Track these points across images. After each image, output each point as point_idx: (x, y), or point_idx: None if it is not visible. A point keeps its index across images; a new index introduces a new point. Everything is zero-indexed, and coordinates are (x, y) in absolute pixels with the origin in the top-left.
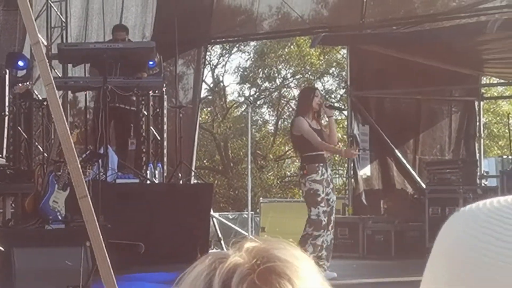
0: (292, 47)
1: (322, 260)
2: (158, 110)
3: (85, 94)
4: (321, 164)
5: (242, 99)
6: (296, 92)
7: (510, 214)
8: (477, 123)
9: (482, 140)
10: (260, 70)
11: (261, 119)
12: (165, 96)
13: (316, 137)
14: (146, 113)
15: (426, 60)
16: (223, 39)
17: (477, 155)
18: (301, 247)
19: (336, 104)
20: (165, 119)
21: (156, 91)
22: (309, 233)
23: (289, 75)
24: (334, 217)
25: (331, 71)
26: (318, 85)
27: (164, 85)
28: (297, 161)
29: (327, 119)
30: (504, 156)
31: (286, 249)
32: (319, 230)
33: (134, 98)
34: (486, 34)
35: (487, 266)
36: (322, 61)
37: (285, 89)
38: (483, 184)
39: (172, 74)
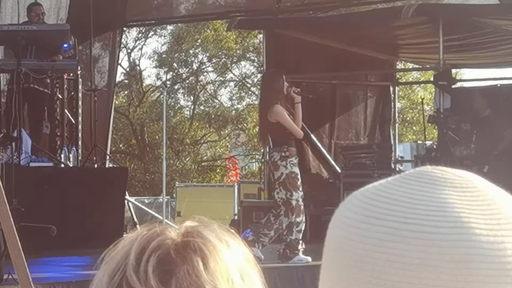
0: (208, 31)
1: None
2: (73, 93)
3: None
4: (294, 149)
5: (158, 83)
6: (212, 76)
7: (373, 195)
8: (392, 108)
9: (397, 125)
10: (176, 54)
11: (178, 104)
12: (80, 80)
13: (297, 128)
14: (60, 96)
15: (342, 45)
16: (139, 22)
17: (392, 140)
18: (289, 236)
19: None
20: (80, 103)
21: (71, 74)
22: (292, 221)
23: (205, 60)
24: None
25: (248, 56)
26: (235, 69)
27: (79, 68)
28: (214, 146)
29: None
30: (419, 142)
31: (214, 230)
32: (300, 215)
33: (49, 81)
34: (401, 19)
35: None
36: (239, 46)
37: (201, 73)
38: (397, 169)
39: (87, 57)
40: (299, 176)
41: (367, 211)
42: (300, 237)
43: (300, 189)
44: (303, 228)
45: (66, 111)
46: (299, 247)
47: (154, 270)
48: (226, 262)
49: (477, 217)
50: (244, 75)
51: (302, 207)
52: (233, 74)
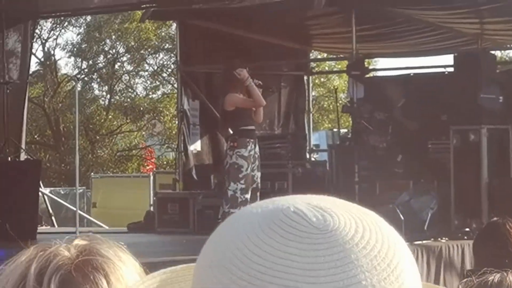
0: (129, 23)
1: None
2: None
3: None
4: (252, 140)
5: (74, 73)
6: (128, 67)
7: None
8: (306, 98)
9: (311, 115)
10: (93, 44)
11: (93, 94)
12: None
13: (252, 100)
14: None
15: (255, 35)
16: (52, 14)
17: (307, 129)
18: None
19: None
20: None
21: None
22: (226, 211)
23: (122, 50)
24: (259, 194)
25: (166, 47)
26: (151, 60)
27: None
28: (129, 136)
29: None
30: (334, 130)
31: (110, 248)
32: (235, 207)
33: None
34: (314, 9)
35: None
36: (156, 37)
37: (118, 64)
38: (312, 159)
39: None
40: (243, 168)
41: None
42: None
43: (242, 181)
44: None
45: None
46: None
47: None
48: (126, 278)
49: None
50: (160, 65)
51: (239, 199)
52: (148, 64)
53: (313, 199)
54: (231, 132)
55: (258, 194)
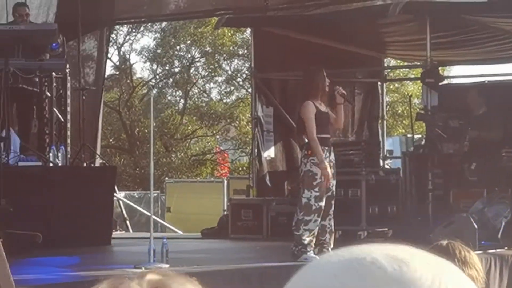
0: (205, 27)
1: (326, 244)
2: (61, 91)
3: None
4: (326, 148)
5: (149, 77)
6: (203, 72)
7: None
8: (380, 105)
9: (385, 122)
10: (169, 49)
11: (170, 98)
12: (69, 78)
13: (313, 130)
14: (49, 95)
15: (329, 42)
16: (128, 20)
17: (380, 136)
18: (295, 232)
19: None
20: (69, 101)
21: (59, 73)
22: (299, 219)
23: (197, 55)
24: (333, 202)
25: (241, 53)
26: (226, 66)
27: (67, 67)
28: (203, 140)
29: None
30: (409, 135)
31: (183, 284)
32: (309, 214)
33: (37, 80)
34: (388, 17)
35: None
36: (232, 43)
37: (193, 69)
38: (386, 166)
39: (76, 54)
40: (317, 176)
41: None
42: (310, 236)
43: (316, 189)
44: (313, 228)
45: (54, 109)
46: (308, 245)
47: None
48: None
49: None
50: (234, 71)
51: (314, 207)
52: (222, 69)
53: (391, 250)
54: (306, 140)
55: (333, 202)
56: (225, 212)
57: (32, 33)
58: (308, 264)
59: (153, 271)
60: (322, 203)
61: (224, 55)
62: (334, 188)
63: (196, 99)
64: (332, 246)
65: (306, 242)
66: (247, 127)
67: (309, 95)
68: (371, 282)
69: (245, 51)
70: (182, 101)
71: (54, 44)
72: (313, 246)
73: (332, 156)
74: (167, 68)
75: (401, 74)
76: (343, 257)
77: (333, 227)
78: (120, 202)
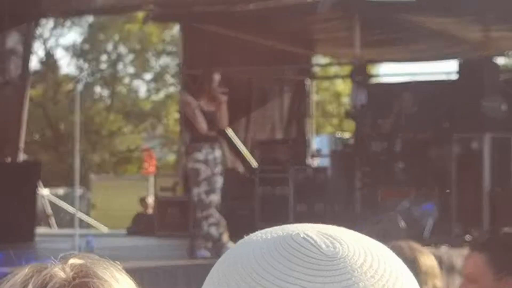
0: (132, 24)
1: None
2: None
3: None
4: (207, 144)
5: (76, 73)
6: (131, 69)
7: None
8: (309, 102)
9: (313, 120)
10: (96, 45)
11: (96, 95)
12: None
13: (199, 122)
14: None
15: (258, 39)
16: (56, 14)
17: (308, 134)
18: (197, 232)
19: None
20: None
21: None
22: (199, 216)
23: (124, 52)
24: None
25: (169, 50)
26: (154, 63)
27: None
28: (130, 138)
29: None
30: (337, 134)
31: (107, 269)
32: (207, 209)
33: None
34: (317, 13)
35: None
36: (159, 39)
37: (121, 65)
38: (314, 164)
39: (1, 48)
40: (200, 171)
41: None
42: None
43: (204, 183)
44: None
45: None
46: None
47: None
48: None
49: None
50: (163, 68)
51: (205, 202)
52: (151, 66)
53: (323, 228)
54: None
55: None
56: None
57: None
58: (240, 241)
59: (76, 255)
60: (216, 196)
61: (152, 51)
62: (217, 186)
63: (123, 97)
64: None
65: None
66: (174, 125)
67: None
68: (304, 257)
69: (174, 48)
70: (109, 98)
71: None
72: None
73: (218, 153)
74: (93, 64)
75: (331, 73)
76: (276, 233)
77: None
78: (44, 198)
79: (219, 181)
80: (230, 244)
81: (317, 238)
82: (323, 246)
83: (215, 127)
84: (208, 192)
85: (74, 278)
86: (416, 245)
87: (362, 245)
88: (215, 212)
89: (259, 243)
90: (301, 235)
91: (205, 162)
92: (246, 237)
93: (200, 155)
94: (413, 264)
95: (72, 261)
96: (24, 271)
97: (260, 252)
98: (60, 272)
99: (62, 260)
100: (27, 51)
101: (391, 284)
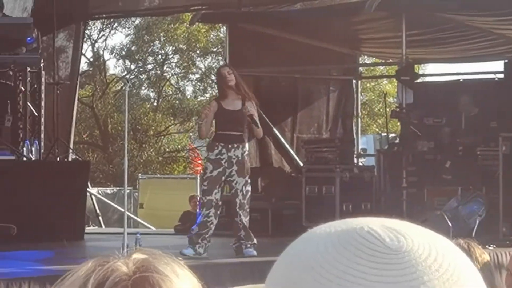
0: (179, 24)
1: (243, 239)
2: (35, 86)
3: None
4: (222, 144)
5: (123, 73)
6: (177, 69)
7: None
8: (355, 102)
9: (359, 119)
10: (142, 46)
11: (143, 95)
12: (43, 72)
13: (202, 129)
14: (23, 89)
15: (304, 39)
16: (104, 15)
17: (354, 134)
18: (201, 230)
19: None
20: (43, 95)
21: (34, 67)
22: (203, 215)
23: (170, 52)
24: (240, 199)
25: (215, 49)
26: (200, 63)
27: (42, 61)
28: (177, 137)
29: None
30: (383, 134)
31: (168, 264)
32: (208, 208)
33: (11, 74)
34: (363, 13)
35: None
36: (206, 40)
37: (166, 66)
38: (360, 163)
39: (51, 49)
40: (207, 171)
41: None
42: (201, 230)
43: (205, 183)
44: (238, 225)
45: (28, 104)
46: (195, 238)
47: None
48: None
49: None
50: (208, 69)
51: (201, 200)
52: (197, 66)
53: (386, 221)
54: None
55: (238, 200)
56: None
57: (6, 27)
58: (303, 235)
59: (140, 249)
60: (211, 197)
61: (198, 51)
62: (238, 186)
63: (170, 97)
64: (251, 241)
65: (193, 235)
66: None
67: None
68: (368, 251)
69: (219, 48)
70: (155, 98)
71: (29, 38)
72: (202, 240)
73: (235, 153)
74: (140, 65)
75: (377, 72)
76: (339, 227)
77: (245, 222)
78: (93, 197)
79: (236, 182)
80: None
81: (381, 231)
82: (387, 239)
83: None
84: (205, 192)
85: (134, 273)
86: (473, 243)
87: (426, 239)
88: (208, 211)
89: (322, 237)
90: (365, 229)
91: (215, 161)
92: (308, 231)
93: (212, 155)
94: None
95: (136, 255)
96: (87, 264)
97: (324, 246)
98: (122, 266)
99: (126, 254)
100: (76, 52)
101: (455, 278)
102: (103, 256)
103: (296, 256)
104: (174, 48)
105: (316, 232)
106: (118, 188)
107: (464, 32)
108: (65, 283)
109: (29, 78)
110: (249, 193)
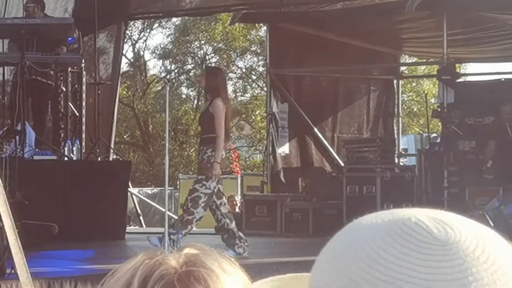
0: (215, 23)
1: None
2: (76, 86)
3: (3, 69)
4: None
5: (163, 74)
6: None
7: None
8: (396, 102)
9: (400, 119)
10: (181, 46)
11: (183, 95)
12: (84, 72)
13: (221, 128)
14: (64, 89)
15: (345, 38)
16: (144, 15)
17: (395, 133)
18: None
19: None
20: (84, 95)
21: (75, 67)
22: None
23: (210, 52)
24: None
25: (253, 49)
26: (239, 63)
27: (82, 61)
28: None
29: None
30: (424, 134)
31: (217, 260)
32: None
33: (53, 74)
34: (404, 13)
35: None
36: (245, 39)
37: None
38: (401, 163)
39: (92, 49)
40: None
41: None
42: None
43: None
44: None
45: (70, 103)
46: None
47: None
48: None
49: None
50: (248, 68)
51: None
52: (236, 66)
53: (433, 213)
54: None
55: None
56: (238, 211)
57: (48, 27)
58: (348, 225)
59: (192, 245)
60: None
61: (237, 50)
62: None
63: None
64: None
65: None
66: (262, 123)
67: (216, 93)
68: (416, 242)
69: (257, 47)
70: (196, 97)
71: (70, 38)
72: (239, 241)
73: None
74: (180, 65)
75: (420, 73)
76: (386, 218)
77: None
78: (134, 197)
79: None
80: None
81: (429, 223)
82: (435, 231)
83: None
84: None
85: (181, 267)
86: None
87: (473, 231)
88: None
89: (369, 228)
90: (413, 220)
91: None
92: (354, 221)
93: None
94: None
95: (187, 250)
96: (137, 258)
97: (371, 237)
98: (171, 260)
99: (179, 249)
100: (117, 52)
101: (503, 270)
102: (153, 251)
103: (344, 246)
104: (212, 48)
105: (362, 222)
106: (159, 188)
107: (506, 31)
108: (115, 275)
109: (70, 78)
110: (197, 192)
